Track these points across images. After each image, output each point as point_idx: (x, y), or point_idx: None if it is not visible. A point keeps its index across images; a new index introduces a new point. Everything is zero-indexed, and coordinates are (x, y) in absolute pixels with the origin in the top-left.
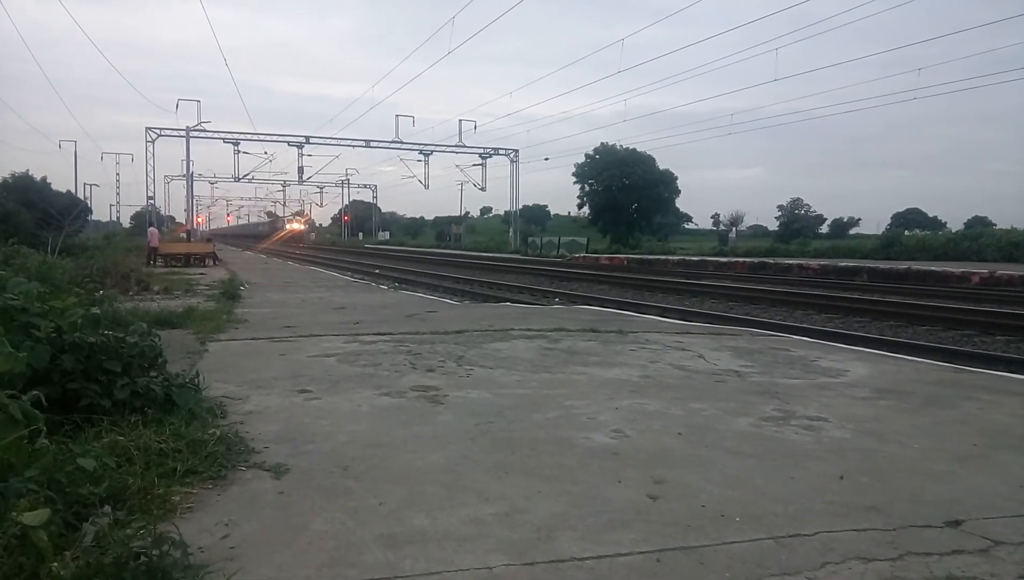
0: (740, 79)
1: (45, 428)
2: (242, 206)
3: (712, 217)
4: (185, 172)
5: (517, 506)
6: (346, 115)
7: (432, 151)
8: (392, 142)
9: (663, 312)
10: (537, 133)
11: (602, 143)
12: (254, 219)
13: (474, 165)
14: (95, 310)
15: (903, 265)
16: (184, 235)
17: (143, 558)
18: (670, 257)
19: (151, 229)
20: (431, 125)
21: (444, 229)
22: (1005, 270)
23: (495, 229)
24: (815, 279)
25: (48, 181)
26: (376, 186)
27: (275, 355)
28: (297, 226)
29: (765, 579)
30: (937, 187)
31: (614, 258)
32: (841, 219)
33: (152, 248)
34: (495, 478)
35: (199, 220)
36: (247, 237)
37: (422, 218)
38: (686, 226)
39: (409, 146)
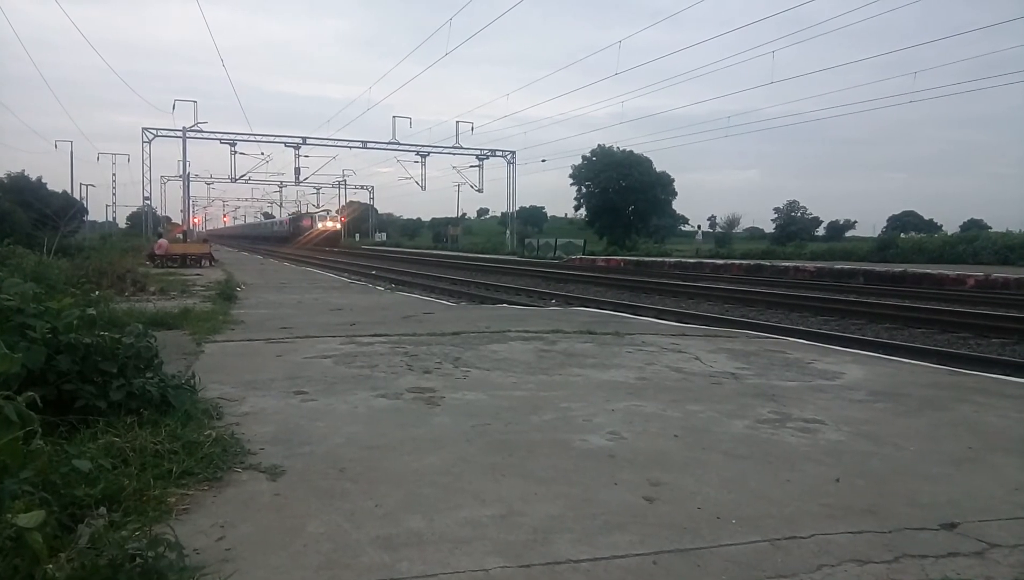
0: (737, 81)
1: (40, 429)
2: (238, 207)
3: (709, 219)
4: (181, 172)
5: (514, 508)
6: (343, 116)
7: (429, 152)
8: (389, 143)
9: (659, 314)
10: (534, 135)
11: (599, 145)
12: (251, 219)
13: (471, 166)
14: (91, 311)
15: (899, 267)
16: (181, 236)
17: (138, 560)
18: (667, 259)
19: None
20: (428, 126)
21: (441, 230)
22: (1000, 273)
23: (492, 230)
24: (811, 281)
25: (44, 181)
26: (373, 187)
27: (271, 356)
28: (331, 225)
29: None
30: (933, 190)
31: (611, 260)
32: (837, 221)
33: (152, 252)
34: (492, 480)
35: (196, 221)
36: (258, 239)
37: (419, 219)
38: (683, 228)
39: (406, 147)
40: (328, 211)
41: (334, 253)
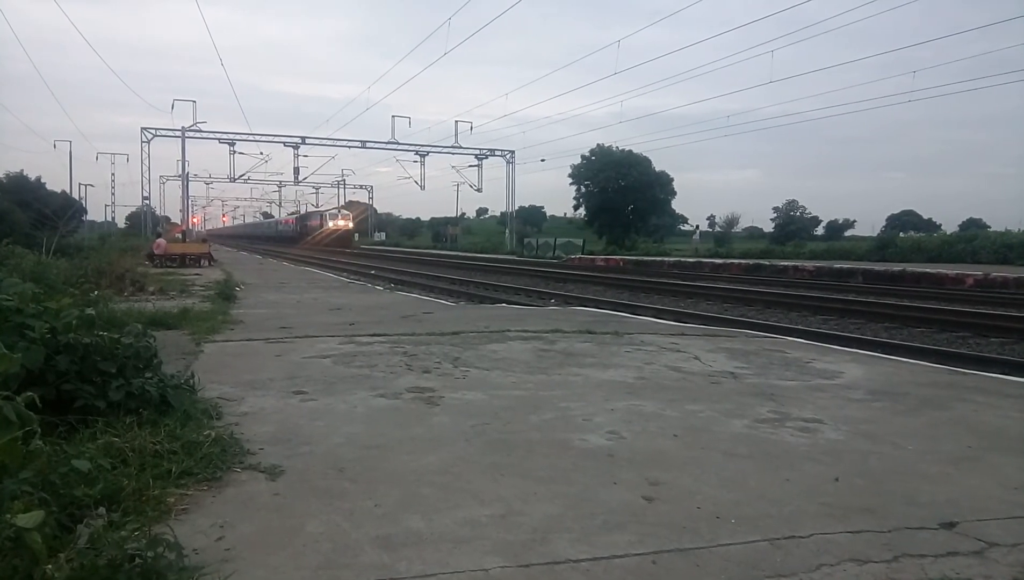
0: (736, 81)
1: (39, 429)
2: (237, 207)
3: (708, 218)
4: (180, 172)
5: (513, 508)
6: (342, 116)
7: (428, 152)
8: (388, 143)
9: (659, 313)
10: (533, 134)
11: (598, 144)
12: (251, 219)
13: (470, 166)
14: (90, 311)
15: (898, 267)
16: (180, 236)
17: (138, 560)
18: (666, 258)
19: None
20: (427, 126)
21: (440, 230)
22: (999, 272)
23: (491, 230)
24: (810, 281)
25: (43, 181)
26: (372, 187)
27: (271, 356)
28: (343, 224)
29: None
30: (932, 189)
31: (610, 259)
32: (836, 221)
33: (152, 252)
34: (491, 480)
35: (195, 220)
36: (261, 239)
37: (418, 219)
38: (682, 228)
39: (405, 147)
40: (339, 209)
41: (335, 253)
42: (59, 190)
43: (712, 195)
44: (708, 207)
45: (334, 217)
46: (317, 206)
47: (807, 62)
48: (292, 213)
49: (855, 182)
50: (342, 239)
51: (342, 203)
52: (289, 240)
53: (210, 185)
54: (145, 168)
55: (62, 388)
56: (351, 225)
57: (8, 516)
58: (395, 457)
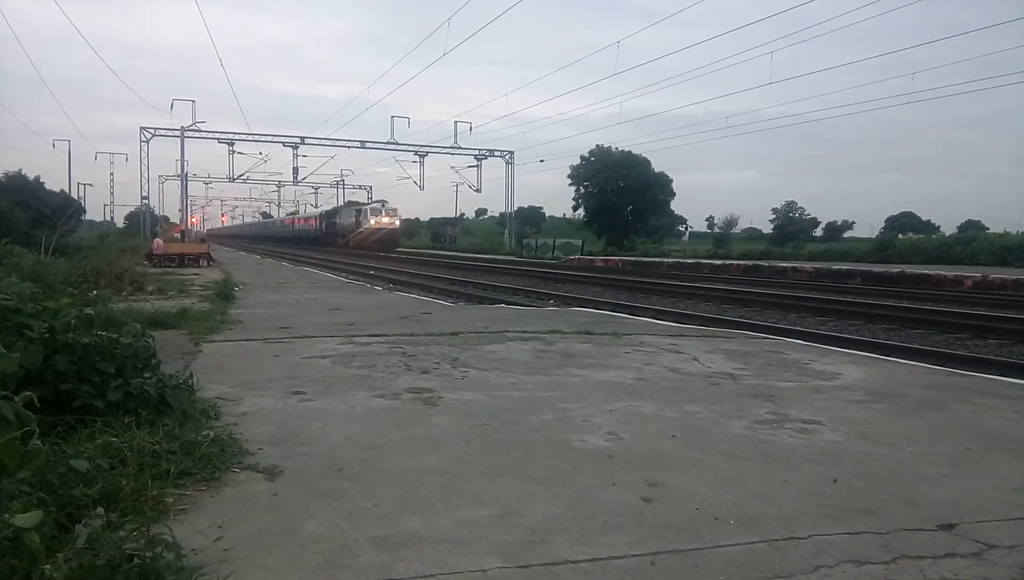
0: (735, 82)
1: (38, 429)
2: (236, 207)
3: (707, 219)
4: (179, 172)
5: (511, 508)
6: (341, 116)
7: (427, 152)
8: (387, 143)
9: (657, 314)
10: (532, 135)
11: (597, 145)
12: (249, 219)
13: (469, 167)
14: (88, 311)
15: (897, 268)
16: (178, 235)
17: (136, 560)
18: (665, 259)
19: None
20: (426, 126)
21: (439, 230)
22: (998, 274)
23: (490, 231)
24: (809, 282)
25: (41, 180)
26: (371, 187)
27: (269, 356)
28: (387, 221)
29: None
30: (931, 190)
31: (609, 260)
32: (835, 222)
33: (151, 252)
34: (490, 480)
35: (194, 220)
36: (271, 240)
37: (417, 219)
38: (681, 229)
39: (404, 147)
40: (383, 203)
41: (330, 253)
42: (58, 189)
43: (711, 196)
44: (707, 208)
45: (376, 213)
46: (316, 206)
47: (807, 63)
48: (291, 213)
49: (854, 183)
50: (387, 241)
51: (341, 203)
52: (310, 241)
53: (209, 185)
54: (144, 168)
55: (60, 388)
56: (398, 223)
57: (6, 516)
58: (394, 457)
